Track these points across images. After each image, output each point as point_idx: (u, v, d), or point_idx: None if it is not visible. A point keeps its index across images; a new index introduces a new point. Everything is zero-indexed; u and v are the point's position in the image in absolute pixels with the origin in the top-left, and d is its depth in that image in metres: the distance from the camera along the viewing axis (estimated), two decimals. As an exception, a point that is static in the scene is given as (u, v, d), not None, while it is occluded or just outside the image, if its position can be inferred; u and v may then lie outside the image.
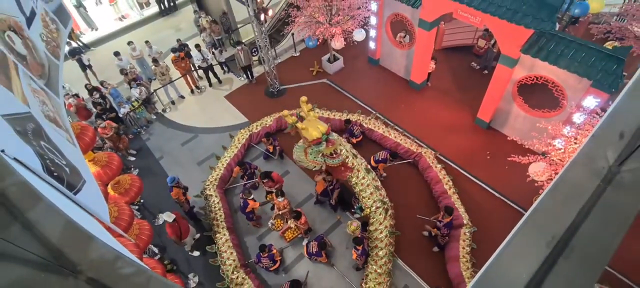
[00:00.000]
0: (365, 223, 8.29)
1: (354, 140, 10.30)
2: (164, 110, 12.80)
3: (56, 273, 1.35)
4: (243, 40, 13.76)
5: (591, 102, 7.59)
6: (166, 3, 17.94)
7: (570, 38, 7.96)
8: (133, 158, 11.23)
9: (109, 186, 6.99)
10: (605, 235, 1.16)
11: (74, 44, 15.13)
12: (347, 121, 10.44)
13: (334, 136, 7.70)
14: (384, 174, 9.52)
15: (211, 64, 13.01)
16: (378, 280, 7.47)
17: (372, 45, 12.83)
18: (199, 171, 10.59)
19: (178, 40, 13.50)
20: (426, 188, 9.35)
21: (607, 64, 7.45)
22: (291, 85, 13.02)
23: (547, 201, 1.30)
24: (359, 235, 7.73)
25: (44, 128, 2.92)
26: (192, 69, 13.01)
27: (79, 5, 16.48)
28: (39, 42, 3.97)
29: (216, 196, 9.26)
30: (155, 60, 12.24)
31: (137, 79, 12.29)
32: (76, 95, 11.86)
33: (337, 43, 11.84)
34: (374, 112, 11.37)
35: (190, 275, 8.47)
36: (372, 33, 12.40)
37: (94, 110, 11.53)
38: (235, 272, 7.90)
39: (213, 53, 13.32)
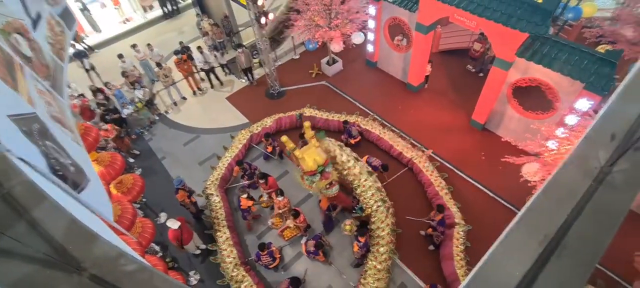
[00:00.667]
0: (364, 222, 8.27)
1: (352, 141, 10.30)
2: (166, 111, 12.80)
3: (60, 270, 1.35)
4: (244, 43, 13.76)
5: (583, 104, 7.61)
6: (169, 6, 17.94)
7: (563, 42, 7.98)
8: (132, 160, 11.17)
9: (112, 185, 6.99)
10: (597, 234, 1.16)
11: (78, 47, 15.11)
12: (345, 122, 10.44)
13: (330, 169, 7.56)
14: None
15: (213, 66, 13.01)
16: (377, 276, 7.47)
17: (370, 48, 12.84)
18: (201, 171, 10.58)
19: (180, 43, 13.52)
20: (422, 190, 9.35)
21: (599, 67, 7.47)
22: (291, 87, 13.02)
23: (540, 201, 1.31)
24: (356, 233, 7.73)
25: (49, 128, 2.92)
26: (194, 70, 13.01)
27: (84, 9, 16.48)
28: (45, 44, 3.97)
29: (217, 195, 9.26)
30: (158, 64, 12.24)
31: (138, 81, 12.28)
32: (82, 95, 11.86)
33: (336, 46, 11.84)
34: (372, 113, 11.38)
35: (192, 273, 8.46)
36: (371, 36, 12.41)
37: (98, 110, 11.51)
38: (235, 270, 7.89)
39: (215, 55, 13.32)
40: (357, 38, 12.04)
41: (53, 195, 1.70)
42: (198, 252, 8.67)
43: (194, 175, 10.40)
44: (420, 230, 8.50)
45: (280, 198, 8.38)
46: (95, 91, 11.69)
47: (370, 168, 8.70)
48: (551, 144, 7.12)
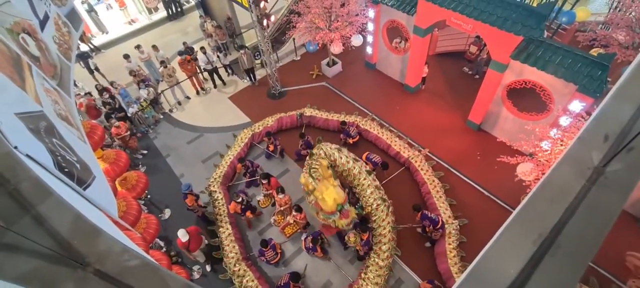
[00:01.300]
0: (364, 218, 8.23)
1: (351, 141, 10.29)
2: (170, 110, 12.79)
3: (65, 265, 1.35)
4: (246, 44, 13.74)
5: (577, 106, 7.60)
6: (174, 8, 17.91)
7: (557, 45, 7.97)
8: (140, 157, 11.20)
9: (117, 182, 6.98)
10: (590, 233, 1.16)
11: (83, 48, 15.10)
12: (343, 122, 10.43)
13: (348, 206, 7.54)
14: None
15: (216, 66, 13.00)
16: (378, 273, 7.47)
17: (369, 50, 12.82)
18: (204, 168, 10.57)
19: (184, 43, 13.50)
20: (418, 189, 9.35)
21: (592, 70, 7.46)
22: (292, 88, 13.01)
23: (534, 200, 1.30)
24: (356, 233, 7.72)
25: (56, 126, 2.91)
26: (198, 71, 13.00)
27: (91, 10, 16.47)
28: (52, 44, 3.96)
29: (220, 192, 9.26)
30: (163, 63, 12.24)
31: (145, 80, 12.28)
32: (88, 94, 11.85)
33: (336, 48, 11.83)
34: (370, 114, 11.37)
35: (195, 267, 8.46)
36: (370, 38, 12.39)
37: (103, 109, 11.50)
38: (237, 265, 7.89)
39: (218, 56, 13.30)
40: (356, 40, 12.02)
41: (59, 192, 1.70)
42: (203, 259, 8.50)
43: (197, 173, 10.40)
44: (417, 228, 8.50)
45: (281, 196, 8.37)
46: (101, 90, 11.68)
47: (368, 168, 8.69)
48: (545, 145, 7.11)
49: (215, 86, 13.50)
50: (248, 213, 8.50)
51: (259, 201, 9.16)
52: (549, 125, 7.86)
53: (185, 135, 11.78)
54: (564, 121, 7.72)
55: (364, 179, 8.35)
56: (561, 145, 6.75)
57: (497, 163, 8.40)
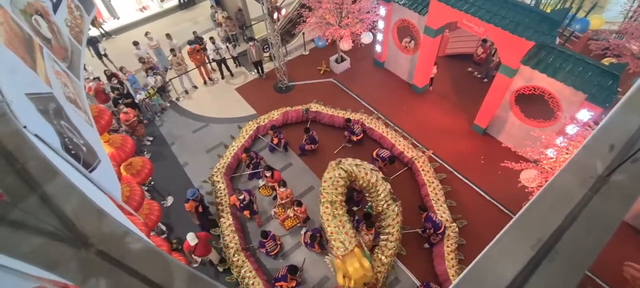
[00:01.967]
0: (368, 214, 8.19)
1: (355, 138, 10.28)
2: (177, 99, 12.85)
3: (69, 244, 1.37)
4: (256, 37, 13.74)
5: (585, 115, 7.50)
6: (185, -3, 17.94)
7: (568, 52, 7.87)
8: (148, 143, 11.29)
9: (122, 167, 7.04)
10: (589, 241, 1.15)
11: (92, 33, 15.18)
12: (348, 120, 10.41)
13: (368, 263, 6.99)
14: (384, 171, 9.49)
15: (224, 57, 13.02)
16: (379, 269, 7.48)
17: (378, 48, 12.76)
18: (208, 158, 10.64)
19: (194, 33, 13.53)
20: (419, 189, 9.33)
21: (603, 79, 7.36)
22: (299, 82, 13.00)
23: (536, 205, 1.30)
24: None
25: (64, 108, 2.95)
26: (207, 61, 13.03)
27: (103, -5, 16.55)
28: (64, 27, 3.99)
29: (222, 183, 9.31)
30: (172, 50, 12.29)
31: (154, 68, 12.34)
32: (97, 79, 11.93)
33: (345, 44, 11.79)
34: (376, 112, 11.34)
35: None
36: (379, 37, 12.32)
37: (111, 94, 11.59)
38: (236, 255, 7.96)
39: (227, 47, 13.32)
40: (366, 38, 11.96)
41: (65, 173, 1.72)
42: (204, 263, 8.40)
43: (201, 162, 10.46)
44: (416, 229, 8.49)
45: (283, 189, 8.41)
46: (110, 76, 11.77)
47: (374, 169, 8.55)
48: (550, 152, 7.05)
49: (222, 77, 13.54)
50: (246, 213, 8.51)
51: (259, 188, 9.19)
52: (555, 133, 7.78)
53: (191, 125, 11.84)
54: (571, 130, 7.64)
55: (380, 185, 8.33)
56: (566, 153, 6.68)
57: (500, 168, 8.35)
